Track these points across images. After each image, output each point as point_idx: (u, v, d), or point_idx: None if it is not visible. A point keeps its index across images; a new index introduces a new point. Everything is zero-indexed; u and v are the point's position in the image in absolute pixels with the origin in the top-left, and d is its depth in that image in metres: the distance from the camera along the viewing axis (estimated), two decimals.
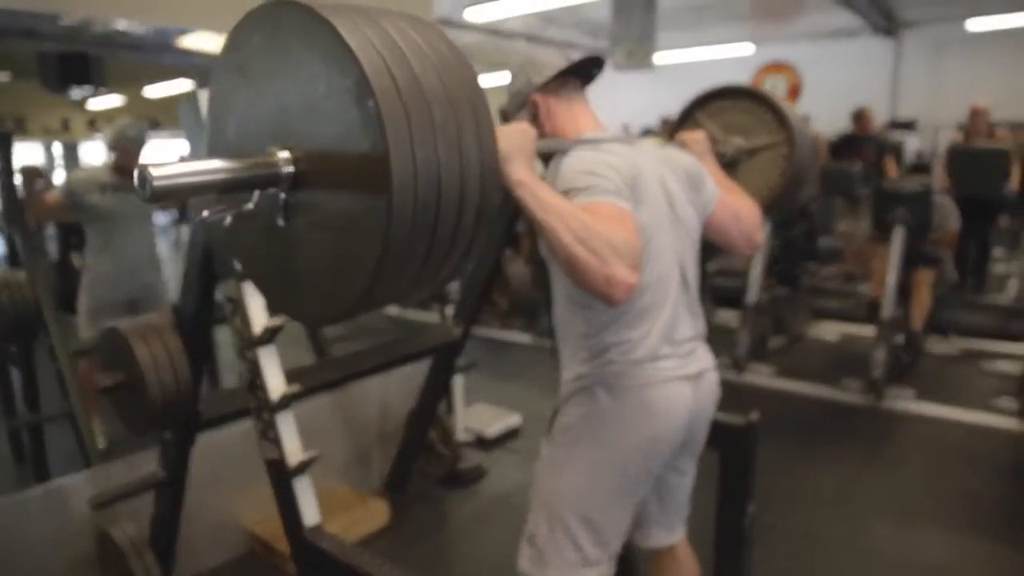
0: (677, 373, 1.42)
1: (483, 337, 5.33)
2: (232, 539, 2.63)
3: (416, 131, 0.81)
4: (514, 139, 1.20)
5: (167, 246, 6.66)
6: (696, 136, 1.70)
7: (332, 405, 2.90)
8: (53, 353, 2.56)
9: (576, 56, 1.49)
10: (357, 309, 0.93)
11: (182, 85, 13.01)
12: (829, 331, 5.25)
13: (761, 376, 4.36)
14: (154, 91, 13.85)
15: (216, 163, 0.87)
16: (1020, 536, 2.65)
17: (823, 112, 6.52)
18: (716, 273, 5.72)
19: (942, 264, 4.50)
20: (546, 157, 1.38)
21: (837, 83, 11.36)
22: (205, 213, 0.96)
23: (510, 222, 2.34)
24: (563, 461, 1.48)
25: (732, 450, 1.89)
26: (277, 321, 1.43)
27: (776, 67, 12.73)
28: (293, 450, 1.45)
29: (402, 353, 2.43)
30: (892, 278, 4.05)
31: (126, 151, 3.35)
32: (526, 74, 1.47)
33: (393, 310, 6.48)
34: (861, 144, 6.06)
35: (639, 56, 8.37)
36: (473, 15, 9.73)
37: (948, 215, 4.61)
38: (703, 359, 1.51)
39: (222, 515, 2.59)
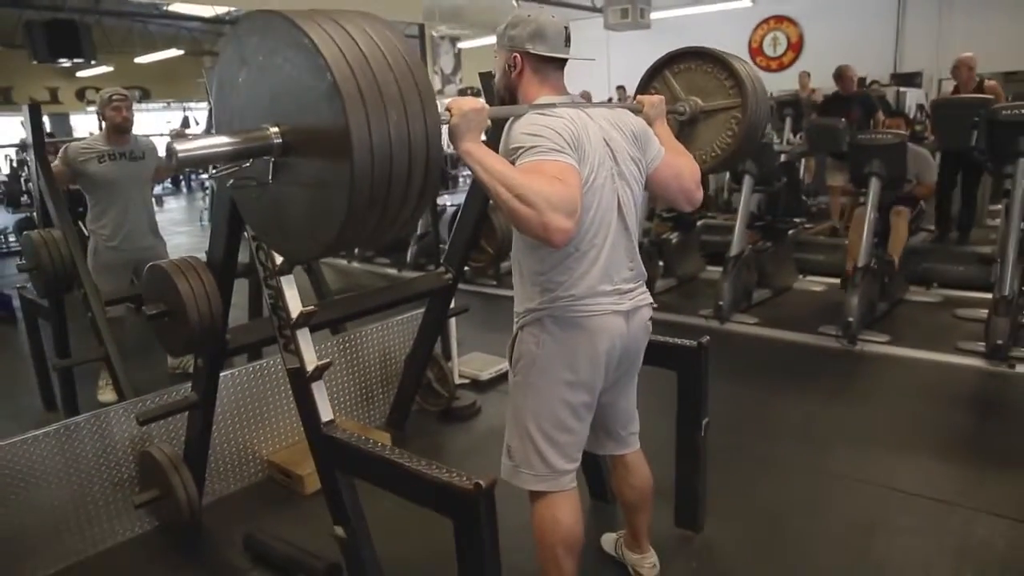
0: (613, 308, 1.67)
1: (476, 292, 5.58)
2: (251, 467, 2.92)
3: (371, 110, 1.06)
4: (468, 116, 1.41)
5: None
6: (653, 100, 1.89)
7: (338, 349, 3.18)
8: (87, 303, 2.83)
9: (572, 56, 1.70)
10: (331, 249, 1.20)
11: (172, 53, 13.15)
12: (814, 285, 5.47)
13: (743, 325, 4.60)
14: (144, 60, 13.90)
15: (223, 138, 1.15)
16: (969, 455, 2.91)
17: (825, 67, 6.53)
18: (704, 229, 5.93)
19: (918, 207, 4.69)
20: (502, 121, 1.62)
21: (840, 37, 11.33)
22: (212, 171, 1.22)
23: None
24: (524, 384, 1.73)
25: (687, 370, 2.15)
26: None
27: (777, 20, 12.72)
28: (310, 359, 1.73)
29: (399, 296, 2.69)
30: (868, 227, 4.26)
31: (117, 108, 3.58)
32: (528, 34, 1.64)
33: (391, 270, 6.73)
34: (847, 102, 6.21)
35: (633, 15, 8.43)
36: None
37: (925, 167, 4.79)
38: (638, 298, 1.75)
39: (242, 446, 2.88)
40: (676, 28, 10.99)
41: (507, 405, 1.80)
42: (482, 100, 1.51)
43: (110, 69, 13.98)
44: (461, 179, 11.98)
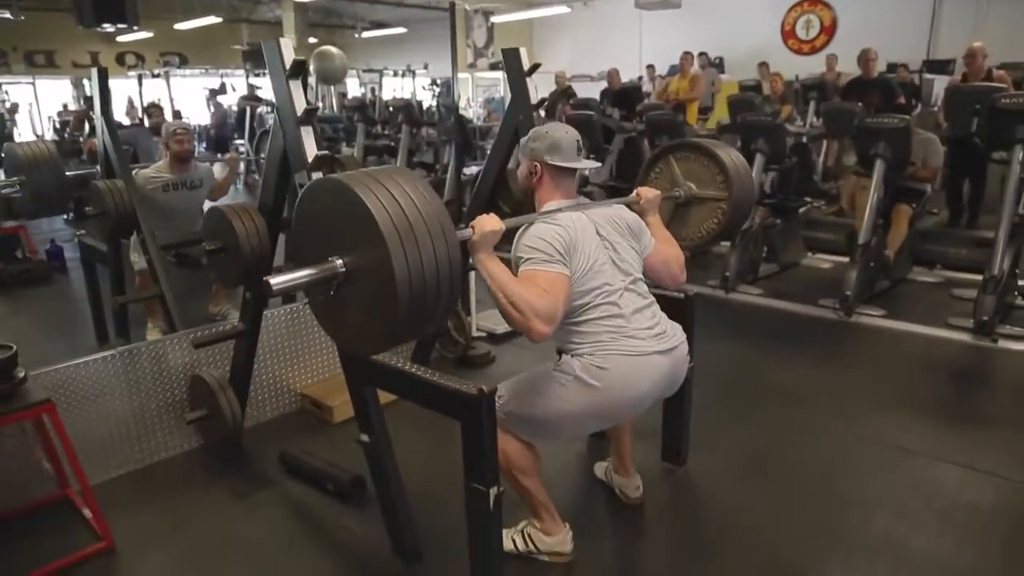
0: (640, 349, 1.94)
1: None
2: (286, 399, 3.27)
3: (406, 243, 1.39)
4: (486, 235, 1.77)
5: None
6: (649, 195, 2.24)
7: None
8: (144, 247, 3.18)
9: (578, 166, 2.04)
10: (384, 346, 1.58)
11: (210, 21, 13.47)
12: (822, 262, 5.68)
13: (748, 296, 4.85)
14: (183, 26, 14.21)
15: (306, 271, 1.49)
16: (939, 415, 3.16)
17: (857, 51, 6.60)
18: None
19: (923, 198, 4.87)
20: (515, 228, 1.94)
21: (874, 21, 11.23)
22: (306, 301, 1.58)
23: (511, 142, 2.85)
24: (552, 387, 1.95)
25: (678, 318, 2.41)
26: None
27: (811, 2, 12.66)
28: None
29: None
30: (871, 206, 4.47)
31: (180, 141, 3.97)
32: (546, 147, 2.01)
33: None
34: (867, 86, 6.34)
35: None
36: None
37: (932, 151, 4.95)
38: (666, 339, 2.01)
39: (279, 379, 3.23)
40: (707, 8, 11.08)
41: (528, 371, 2.08)
42: (498, 220, 1.81)
43: (150, 35, 14.36)
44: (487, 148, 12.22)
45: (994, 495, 2.50)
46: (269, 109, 11.09)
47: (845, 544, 2.27)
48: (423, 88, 14.77)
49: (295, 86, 2.01)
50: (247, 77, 12.98)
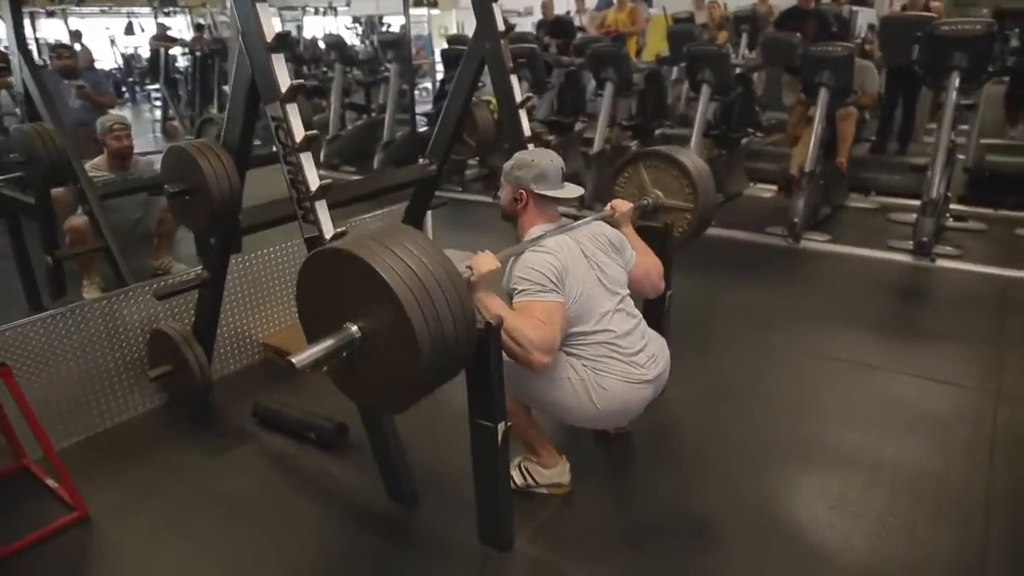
0: (633, 377, 2.01)
1: (448, 197, 5.76)
2: (249, 350, 3.15)
3: (423, 306, 1.43)
4: (484, 276, 1.82)
5: None
6: (623, 209, 2.31)
7: None
8: (83, 197, 2.94)
9: (563, 195, 2.08)
10: (410, 400, 1.56)
11: None
12: (763, 192, 5.82)
13: None
14: None
15: (328, 342, 1.49)
16: (891, 331, 3.34)
17: None
18: (661, 138, 6.17)
19: (863, 117, 5.02)
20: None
21: None
22: (324, 369, 1.57)
23: (477, 72, 2.74)
24: (554, 375, 1.98)
25: (656, 248, 2.41)
26: (313, 132, 1.87)
27: None
28: (328, 228, 1.92)
29: (388, 184, 2.89)
30: (816, 135, 4.57)
31: (118, 137, 3.69)
32: (532, 176, 2.03)
33: (357, 178, 6.85)
34: (804, 16, 6.40)
35: None
36: None
37: (869, 79, 5.08)
38: (653, 366, 2.08)
39: (240, 330, 3.10)
40: None
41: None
42: (495, 259, 1.85)
43: None
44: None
45: (952, 402, 2.66)
46: (185, 50, 10.40)
47: (824, 456, 2.38)
48: (346, 27, 14.15)
49: (263, 8, 1.84)
50: (155, 16, 12.10)
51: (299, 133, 1.87)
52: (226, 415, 2.77)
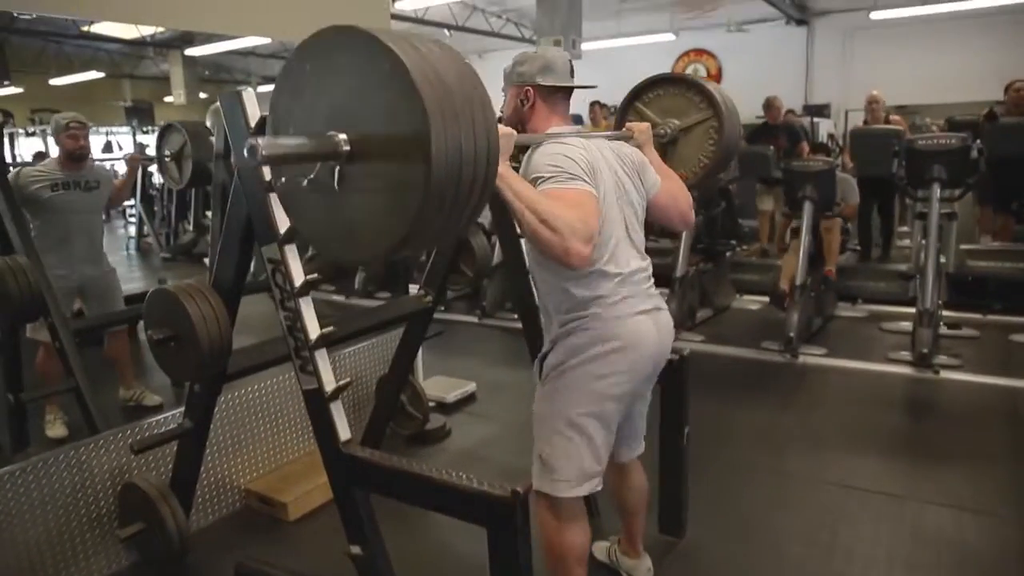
0: (638, 308, 1.77)
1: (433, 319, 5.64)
2: (229, 497, 2.88)
3: (447, 120, 1.14)
4: (500, 142, 1.51)
5: None
6: (641, 127, 2.01)
7: None
8: (55, 333, 2.75)
9: (577, 82, 1.85)
10: (395, 250, 1.25)
11: (90, 76, 12.65)
12: (750, 303, 5.79)
13: (691, 343, 4.82)
14: (60, 82, 13.41)
15: (300, 139, 1.21)
16: (909, 454, 3.18)
17: (743, 97, 6.93)
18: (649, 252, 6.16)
19: (845, 227, 5.10)
20: (523, 148, 1.73)
21: (755, 70, 12.00)
22: (283, 180, 1.27)
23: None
24: (557, 389, 1.78)
25: (671, 381, 2.28)
26: (313, 276, 1.73)
27: (697, 53, 13.40)
28: (328, 380, 1.75)
29: (384, 318, 2.75)
30: (804, 247, 4.58)
31: (73, 136, 3.50)
32: (538, 68, 1.78)
33: (338, 297, 6.69)
34: (774, 131, 6.63)
35: (566, 45, 8.73)
36: (402, 4, 10.03)
37: (849, 190, 5.19)
38: (655, 298, 1.86)
39: (219, 476, 2.84)
40: (605, 59, 11.41)
41: (536, 419, 1.85)
42: (510, 131, 1.61)
43: (20, 90, 13.30)
44: None
45: (991, 535, 2.49)
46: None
47: None
48: None
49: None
50: (133, 135, 12.21)
51: (299, 277, 1.73)
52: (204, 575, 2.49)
